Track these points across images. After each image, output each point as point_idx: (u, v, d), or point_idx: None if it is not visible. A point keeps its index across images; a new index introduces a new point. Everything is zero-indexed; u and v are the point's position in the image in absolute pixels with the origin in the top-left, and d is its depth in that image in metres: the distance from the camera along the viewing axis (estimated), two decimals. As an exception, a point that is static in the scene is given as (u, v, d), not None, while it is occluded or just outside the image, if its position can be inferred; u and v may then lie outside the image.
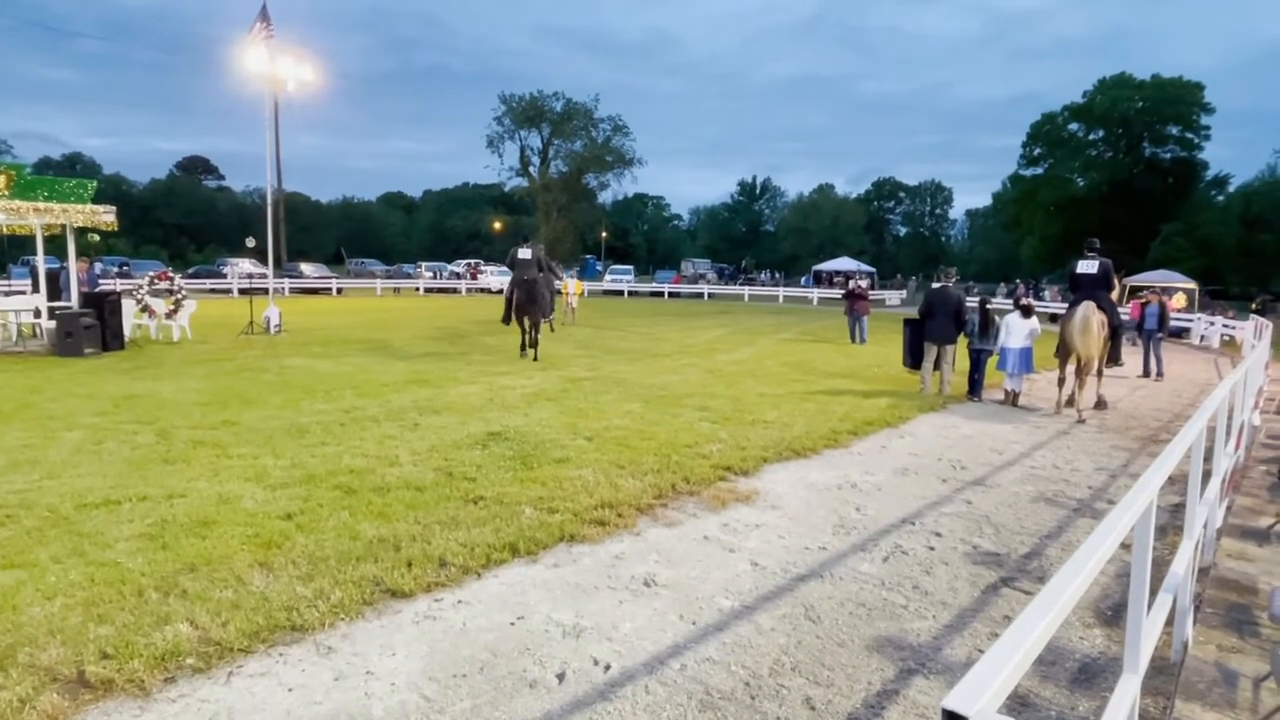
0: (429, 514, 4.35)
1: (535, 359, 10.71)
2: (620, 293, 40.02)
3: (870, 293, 21.76)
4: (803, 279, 51.21)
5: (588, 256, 65.58)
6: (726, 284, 50.39)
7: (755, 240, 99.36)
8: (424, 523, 4.23)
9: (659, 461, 5.46)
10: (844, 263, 49.01)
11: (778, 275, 55.88)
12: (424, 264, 43.10)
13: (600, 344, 13.48)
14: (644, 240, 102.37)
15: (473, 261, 49.42)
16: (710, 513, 4.60)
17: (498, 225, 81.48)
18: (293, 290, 31.57)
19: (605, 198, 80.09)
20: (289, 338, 13.22)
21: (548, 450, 5.68)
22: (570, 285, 14.92)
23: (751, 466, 5.47)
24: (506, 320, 11.49)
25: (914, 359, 9.35)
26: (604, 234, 76.87)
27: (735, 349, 13.35)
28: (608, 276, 43.45)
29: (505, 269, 47.40)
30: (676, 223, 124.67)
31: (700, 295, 39.69)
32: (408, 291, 36.44)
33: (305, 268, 36.12)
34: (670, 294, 39.79)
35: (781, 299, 37.62)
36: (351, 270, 47.12)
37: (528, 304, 10.88)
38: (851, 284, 16.62)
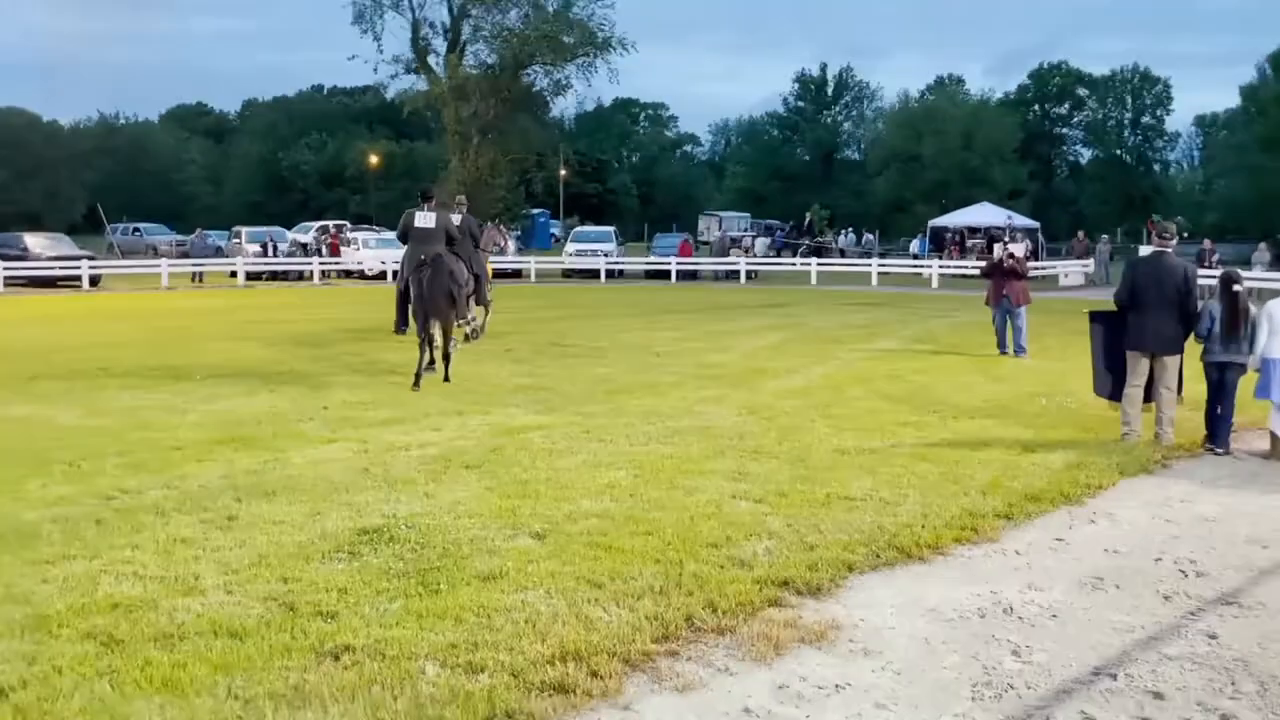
0: (254, 681, 4.36)
1: (446, 378, 12.27)
2: (594, 274, 40.72)
3: (1031, 266, 22.25)
4: (912, 242, 52.14)
5: (535, 212, 66.11)
6: (779, 255, 51.45)
7: (826, 177, 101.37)
8: (246, 697, 4.23)
9: (662, 574, 5.58)
10: (983, 213, 49.74)
11: (868, 238, 57.05)
12: (244, 231, 43.64)
13: (558, 365, 14.39)
14: (633, 182, 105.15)
15: (333, 225, 50.06)
16: (756, 665, 4.65)
17: (374, 160, 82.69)
18: (9, 281, 31.98)
19: (563, 109, 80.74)
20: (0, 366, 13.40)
21: (466, 559, 5.82)
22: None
23: (826, 580, 5.61)
24: (401, 326, 13.08)
25: (1111, 382, 9.46)
26: (562, 172, 78.13)
27: (795, 368, 14.22)
28: (570, 247, 44.10)
29: (393, 241, 47.78)
30: (689, 150, 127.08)
31: (734, 275, 40.84)
32: (217, 278, 36.97)
33: (31, 241, 36.44)
34: (681, 273, 40.91)
35: (875, 278, 38.62)
36: (116, 244, 47.47)
37: (431, 299, 12.14)
38: (998, 251, 16.84)
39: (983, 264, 19.83)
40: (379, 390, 11.89)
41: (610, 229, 49.44)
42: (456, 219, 15.72)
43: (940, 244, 48.53)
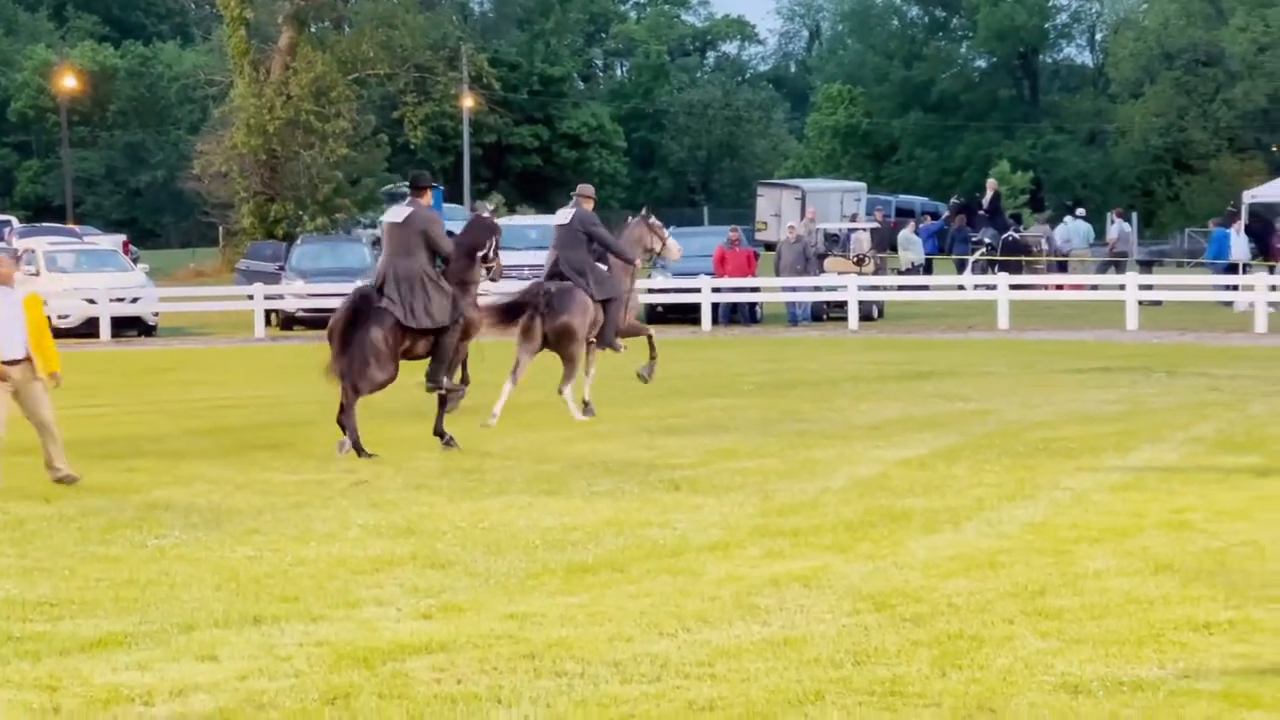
0: None
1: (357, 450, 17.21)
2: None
3: None
4: (1220, 237, 51.71)
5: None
6: (925, 268, 51.36)
7: (1023, 105, 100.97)
8: None
9: None
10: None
11: (1118, 229, 57.00)
12: None
13: (460, 510, 14.91)
14: (616, 121, 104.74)
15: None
16: None
17: (69, 82, 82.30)
18: None
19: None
20: None
21: None
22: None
23: None
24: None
25: None
26: (468, 102, 77.89)
27: (968, 509, 14.55)
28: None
29: (110, 257, 47.96)
30: (734, 52, 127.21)
31: (836, 310, 42.32)
32: None
33: None
34: (724, 309, 42.70)
35: (1134, 314, 39.27)
36: None
37: (332, 339, 18.73)
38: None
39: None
40: (84, 569, 11.77)
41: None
42: (565, 215, 23.10)
43: (1269, 239, 48.47)
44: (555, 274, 22.05)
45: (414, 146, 63.71)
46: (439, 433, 18.94)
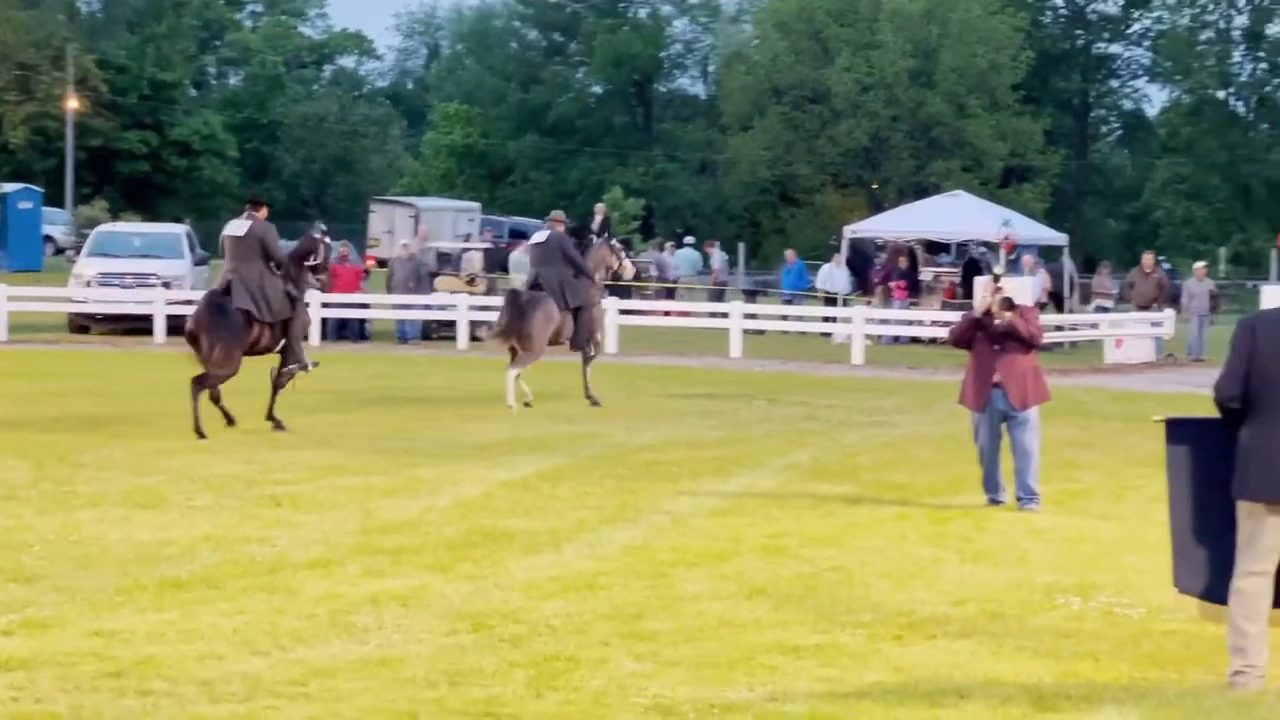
0: None
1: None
2: (139, 324, 41.66)
3: (1049, 322, 22.35)
4: (822, 269, 52.79)
5: (9, 190, 64.65)
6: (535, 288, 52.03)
7: (636, 134, 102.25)
8: None
9: None
10: (957, 213, 50.85)
11: (716, 257, 58.03)
12: None
13: (50, 520, 14.55)
14: (229, 131, 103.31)
15: None
16: None
17: None
18: None
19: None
20: None
21: None
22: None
23: None
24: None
25: (1208, 566, 9.80)
26: (73, 104, 75.90)
27: (568, 531, 14.72)
28: (88, 266, 45.12)
29: None
30: (351, 66, 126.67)
31: (445, 329, 42.43)
32: None
33: None
34: (333, 325, 42.11)
35: (737, 341, 40.15)
36: None
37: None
38: (983, 292, 17.00)
39: (955, 318, 20.21)
40: None
41: (179, 229, 49.04)
42: (541, 236, 27.74)
43: (867, 273, 49.48)
44: (535, 285, 26.50)
45: (14, 147, 61.91)
46: (271, 417, 22.01)
